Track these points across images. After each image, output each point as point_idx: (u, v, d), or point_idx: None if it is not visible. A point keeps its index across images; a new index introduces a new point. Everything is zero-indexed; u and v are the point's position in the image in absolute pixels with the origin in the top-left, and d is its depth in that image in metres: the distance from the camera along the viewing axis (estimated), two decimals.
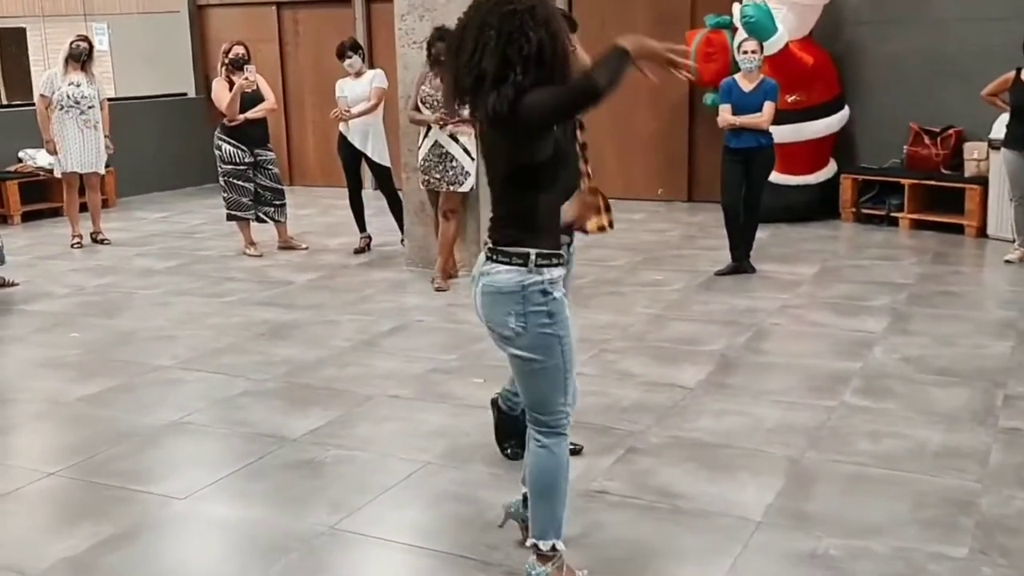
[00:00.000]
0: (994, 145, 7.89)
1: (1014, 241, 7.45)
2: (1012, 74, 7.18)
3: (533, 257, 2.85)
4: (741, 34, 8.44)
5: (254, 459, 4.17)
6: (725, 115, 7.04)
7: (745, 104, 6.99)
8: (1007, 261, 7.33)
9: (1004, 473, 3.87)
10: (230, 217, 8.42)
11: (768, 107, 6.94)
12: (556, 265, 2.89)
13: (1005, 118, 7.49)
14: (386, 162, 8.19)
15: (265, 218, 8.46)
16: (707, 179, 9.84)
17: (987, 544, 3.34)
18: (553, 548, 3.04)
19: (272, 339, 5.93)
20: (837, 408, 4.58)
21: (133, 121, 11.17)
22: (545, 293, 2.86)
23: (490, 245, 2.93)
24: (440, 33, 6.88)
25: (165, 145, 12.21)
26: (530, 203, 2.87)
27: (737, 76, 7.18)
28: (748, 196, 7.09)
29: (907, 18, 8.88)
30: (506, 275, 2.87)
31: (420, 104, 6.98)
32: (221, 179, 8.28)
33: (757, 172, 7.07)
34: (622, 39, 2.74)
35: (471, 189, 6.94)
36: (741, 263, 7.17)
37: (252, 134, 8.19)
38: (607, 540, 3.43)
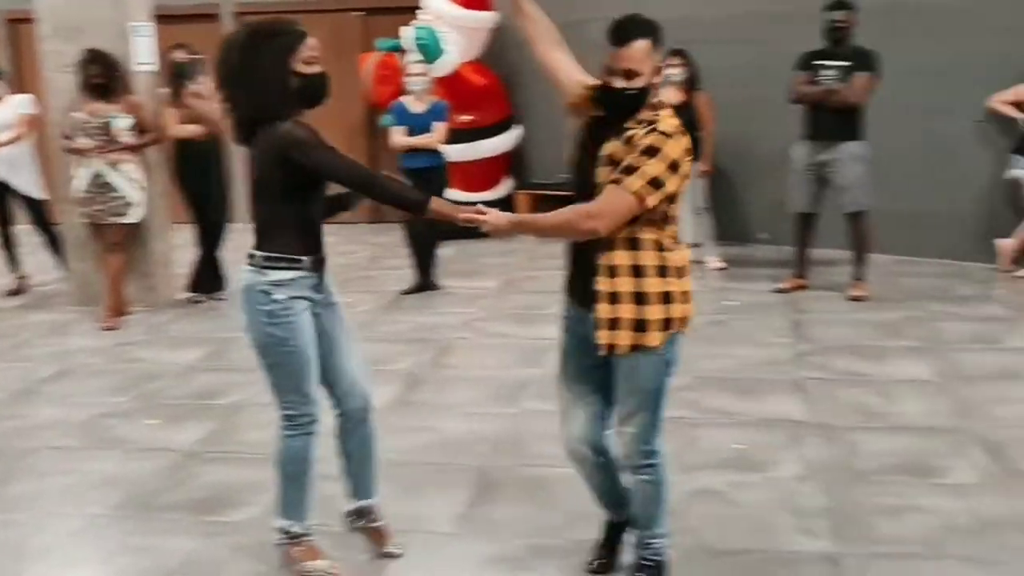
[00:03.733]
0: None
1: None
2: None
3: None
4: (408, 57, 8.57)
5: None
6: (397, 137, 7.11)
7: (417, 125, 7.08)
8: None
9: None
10: None
11: (438, 127, 7.08)
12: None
13: None
14: (38, 194, 7.56)
15: None
16: None
17: None
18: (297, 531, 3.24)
19: None
20: (519, 415, 4.72)
21: None
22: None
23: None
24: (93, 55, 6.47)
25: None
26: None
27: (406, 98, 7.26)
28: None
29: (569, 39, 9.33)
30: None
31: (75, 131, 6.49)
32: None
33: (432, 190, 7.11)
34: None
35: (139, 220, 6.53)
36: (426, 281, 7.25)
37: None
38: None
